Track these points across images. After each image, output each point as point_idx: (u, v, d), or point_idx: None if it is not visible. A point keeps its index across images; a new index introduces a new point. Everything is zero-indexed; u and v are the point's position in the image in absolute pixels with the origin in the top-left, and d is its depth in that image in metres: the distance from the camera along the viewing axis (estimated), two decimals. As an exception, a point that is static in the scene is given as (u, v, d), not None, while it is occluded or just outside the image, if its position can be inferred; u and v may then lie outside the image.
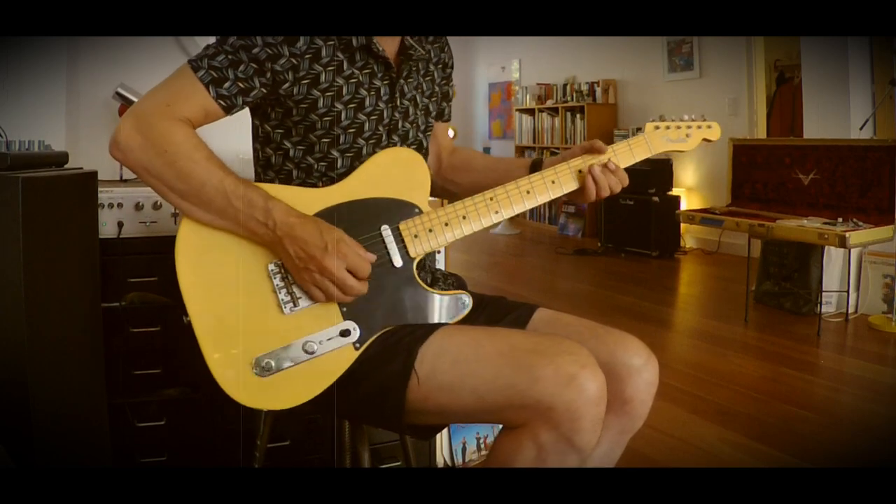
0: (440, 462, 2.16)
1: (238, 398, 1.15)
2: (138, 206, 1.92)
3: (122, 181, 2.25)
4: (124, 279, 1.91)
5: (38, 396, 1.39)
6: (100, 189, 1.78)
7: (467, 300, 1.27)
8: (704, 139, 1.47)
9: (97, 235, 1.69)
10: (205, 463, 1.92)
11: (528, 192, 1.32)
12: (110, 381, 1.70)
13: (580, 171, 1.34)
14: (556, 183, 1.34)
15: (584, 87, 7.38)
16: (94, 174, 1.66)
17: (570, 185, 1.35)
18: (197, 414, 1.93)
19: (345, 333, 1.19)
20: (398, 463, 1.99)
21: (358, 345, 1.20)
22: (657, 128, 1.45)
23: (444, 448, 2.18)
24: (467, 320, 1.27)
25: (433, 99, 1.43)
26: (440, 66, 1.45)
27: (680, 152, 1.48)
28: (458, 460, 2.20)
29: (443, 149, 1.56)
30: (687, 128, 1.46)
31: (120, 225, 1.91)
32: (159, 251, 1.92)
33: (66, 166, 1.69)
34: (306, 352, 1.17)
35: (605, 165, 1.34)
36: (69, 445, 1.50)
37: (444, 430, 2.18)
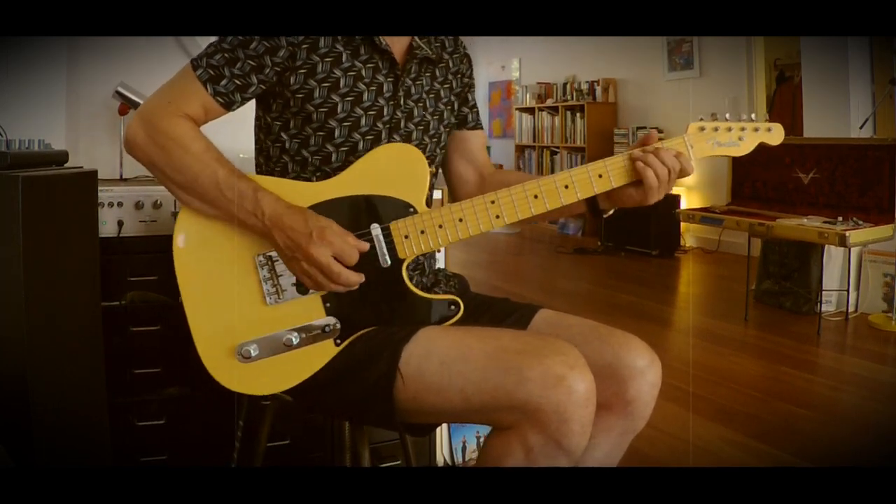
0: (440, 461, 2.16)
1: (220, 380, 1.21)
2: (138, 205, 1.92)
3: (123, 180, 2.25)
4: (124, 278, 1.91)
5: (38, 395, 1.39)
6: (100, 188, 1.78)
7: (455, 307, 1.24)
8: (762, 143, 1.28)
9: (97, 234, 1.69)
10: (205, 462, 1.92)
11: (535, 197, 1.23)
12: (110, 381, 1.69)
13: (600, 176, 1.23)
14: (569, 188, 1.23)
15: (584, 86, 7.38)
16: (94, 173, 1.65)
17: (587, 191, 1.23)
18: (197, 413, 1.93)
19: (326, 329, 1.20)
20: (398, 462, 1.99)
21: (338, 341, 1.21)
22: (703, 129, 1.27)
23: (444, 447, 2.18)
24: (469, 322, 1.26)
25: (449, 106, 1.41)
26: (458, 75, 1.43)
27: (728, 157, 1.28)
28: (458, 459, 2.20)
29: (482, 165, 1.50)
30: (741, 130, 1.28)
31: (120, 224, 1.90)
32: (159, 250, 1.91)
33: (66, 165, 1.69)
34: (286, 343, 1.20)
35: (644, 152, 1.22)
36: (69, 445, 1.50)
37: (444, 430, 2.18)
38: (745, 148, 1.29)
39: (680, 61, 6.38)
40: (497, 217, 1.23)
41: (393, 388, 1.15)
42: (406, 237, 1.22)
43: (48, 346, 1.44)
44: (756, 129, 1.28)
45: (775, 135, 1.29)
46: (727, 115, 1.27)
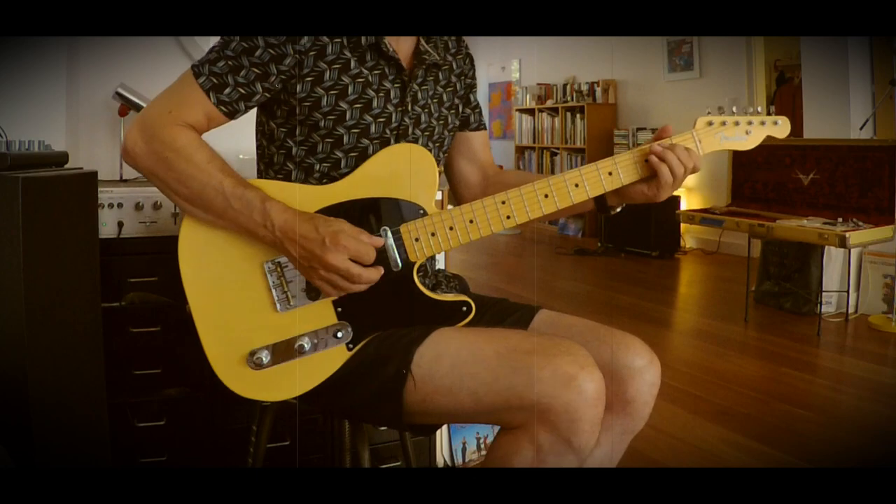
0: (440, 462, 2.16)
1: (233, 388, 1.20)
2: (138, 206, 1.92)
3: (123, 181, 2.25)
4: (124, 279, 1.91)
5: (38, 396, 1.39)
6: (100, 189, 1.78)
7: (467, 308, 1.24)
8: (769, 137, 1.28)
9: (97, 235, 1.69)
10: (205, 463, 1.92)
11: (545, 196, 1.21)
12: (110, 381, 1.69)
13: (610, 174, 1.23)
14: (579, 187, 1.22)
15: (584, 87, 7.38)
16: (94, 174, 1.65)
17: (597, 189, 1.23)
18: (197, 414, 1.93)
19: (338, 334, 1.20)
20: (398, 463, 1.99)
21: (351, 345, 1.20)
22: (710, 123, 1.26)
23: (444, 448, 2.18)
24: (470, 323, 1.26)
25: (453, 110, 1.40)
26: (462, 77, 1.42)
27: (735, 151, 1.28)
28: (458, 460, 2.20)
29: (486, 165, 1.49)
30: (748, 123, 1.27)
31: (120, 225, 1.91)
32: (159, 251, 1.91)
33: (66, 166, 1.69)
34: (298, 350, 1.19)
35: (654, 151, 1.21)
36: (69, 445, 1.50)
37: (444, 431, 2.18)
38: (752, 141, 1.28)
39: (680, 62, 6.38)
40: (508, 217, 1.21)
41: (403, 390, 1.15)
42: (417, 240, 1.21)
43: (48, 346, 1.44)
44: (763, 123, 1.28)
45: (782, 128, 1.29)
46: (734, 109, 1.27)
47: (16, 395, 1.39)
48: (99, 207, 1.82)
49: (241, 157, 2.19)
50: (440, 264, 1.94)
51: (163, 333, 1.91)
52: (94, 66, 2.37)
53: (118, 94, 2.24)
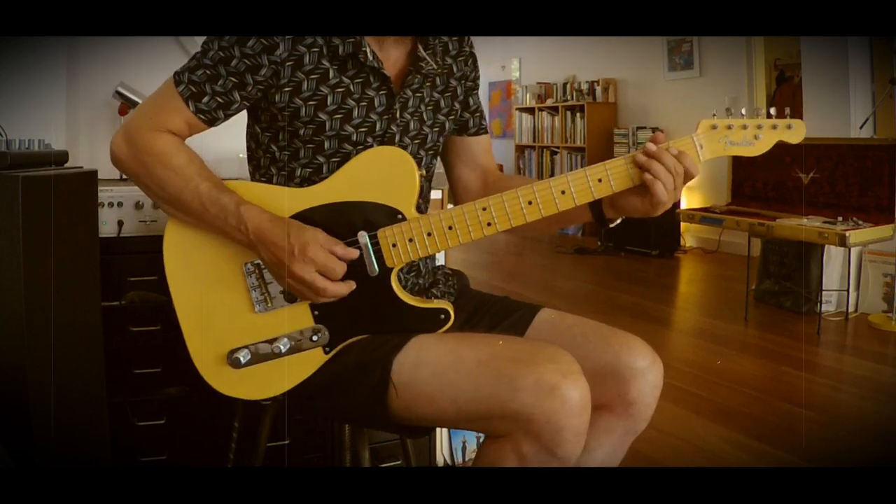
0: (440, 461, 2.16)
1: (213, 384, 1.23)
2: (138, 205, 1.92)
3: (122, 180, 2.24)
4: (124, 278, 1.91)
5: (38, 396, 1.39)
6: (100, 188, 1.78)
7: (445, 316, 1.21)
8: (780, 142, 1.19)
9: (97, 234, 1.69)
10: (205, 462, 1.92)
11: (529, 203, 1.16)
12: (110, 380, 1.69)
13: (600, 181, 1.16)
14: (566, 193, 1.16)
15: (584, 86, 7.38)
16: (93, 173, 1.65)
17: (585, 196, 1.16)
18: (197, 413, 1.93)
19: (314, 338, 1.20)
20: (398, 462, 1.99)
21: (328, 349, 1.20)
22: (715, 127, 1.17)
23: (444, 447, 2.18)
24: (471, 321, 1.25)
25: (451, 116, 1.36)
26: (463, 80, 1.38)
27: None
28: (459, 459, 2.20)
29: (487, 170, 1.45)
30: (757, 127, 1.18)
31: (120, 224, 1.90)
32: (159, 250, 1.89)
33: (65, 165, 1.69)
34: (274, 351, 1.20)
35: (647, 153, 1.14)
36: (69, 445, 1.50)
37: (445, 430, 2.18)
38: (760, 147, 1.19)
39: (680, 61, 6.38)
40: (489, 224, 1.17)
41: (386, 398, 1.15)
42: (394, 245, 1.18)
43: (48, 346, 1.44)
44: (774, 127, 1.19)
45: (796, 132, 1.19)
46: (743, 111, 1.18)
47: (16, 395, 1.39)
48: (99, 206, 1.82)
49: (240, 155, 2.19)
50: (440, 261, 1.93)
51: (163, 332, 1.91)
52: (94, 65, 2.37)
53: (118, 92, 2.24)
